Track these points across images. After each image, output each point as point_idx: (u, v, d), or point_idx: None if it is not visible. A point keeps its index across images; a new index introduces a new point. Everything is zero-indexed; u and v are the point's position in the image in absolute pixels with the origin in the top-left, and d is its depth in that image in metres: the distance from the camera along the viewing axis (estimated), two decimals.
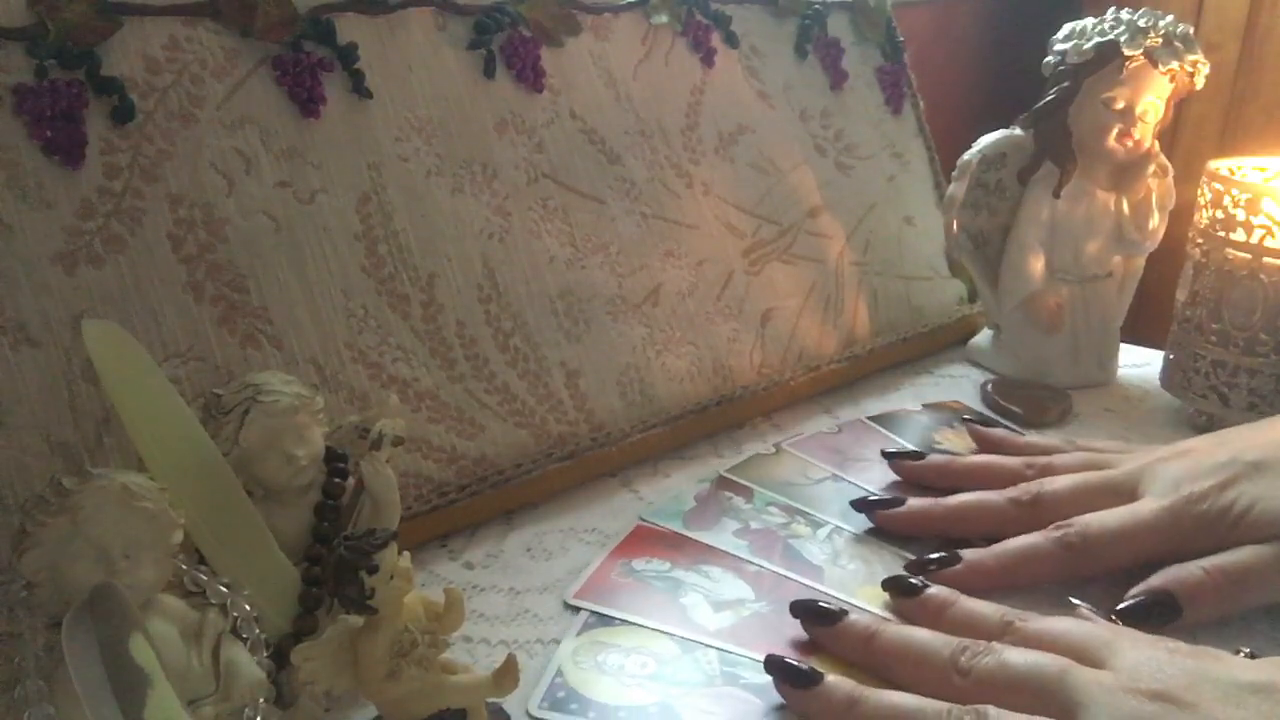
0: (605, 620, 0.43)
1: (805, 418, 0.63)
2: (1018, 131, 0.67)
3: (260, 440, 0.36)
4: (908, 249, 0.73)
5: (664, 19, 0.64)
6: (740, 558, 0.48)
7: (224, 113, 0.47)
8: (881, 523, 0.50)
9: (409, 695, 0.33)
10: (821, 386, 0.66)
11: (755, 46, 0.68)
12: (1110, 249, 0.67)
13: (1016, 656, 0.37)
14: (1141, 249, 0.67)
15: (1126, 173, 0.66)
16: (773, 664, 0.39)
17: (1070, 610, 0.42)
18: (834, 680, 0.38)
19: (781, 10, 0.70)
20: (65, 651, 0.28)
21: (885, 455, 0.56)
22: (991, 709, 0.34)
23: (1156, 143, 0.65)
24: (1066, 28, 0.65)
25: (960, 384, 0.69)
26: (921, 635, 0.40)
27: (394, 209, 0.51)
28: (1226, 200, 0.58)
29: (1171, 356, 0.64)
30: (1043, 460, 0.52)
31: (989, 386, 0.66)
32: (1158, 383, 0.66)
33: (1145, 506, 0.46)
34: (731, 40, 0.67)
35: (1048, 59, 0.65)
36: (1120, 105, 0.63)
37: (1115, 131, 0.63)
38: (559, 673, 0.40)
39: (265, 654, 0.34)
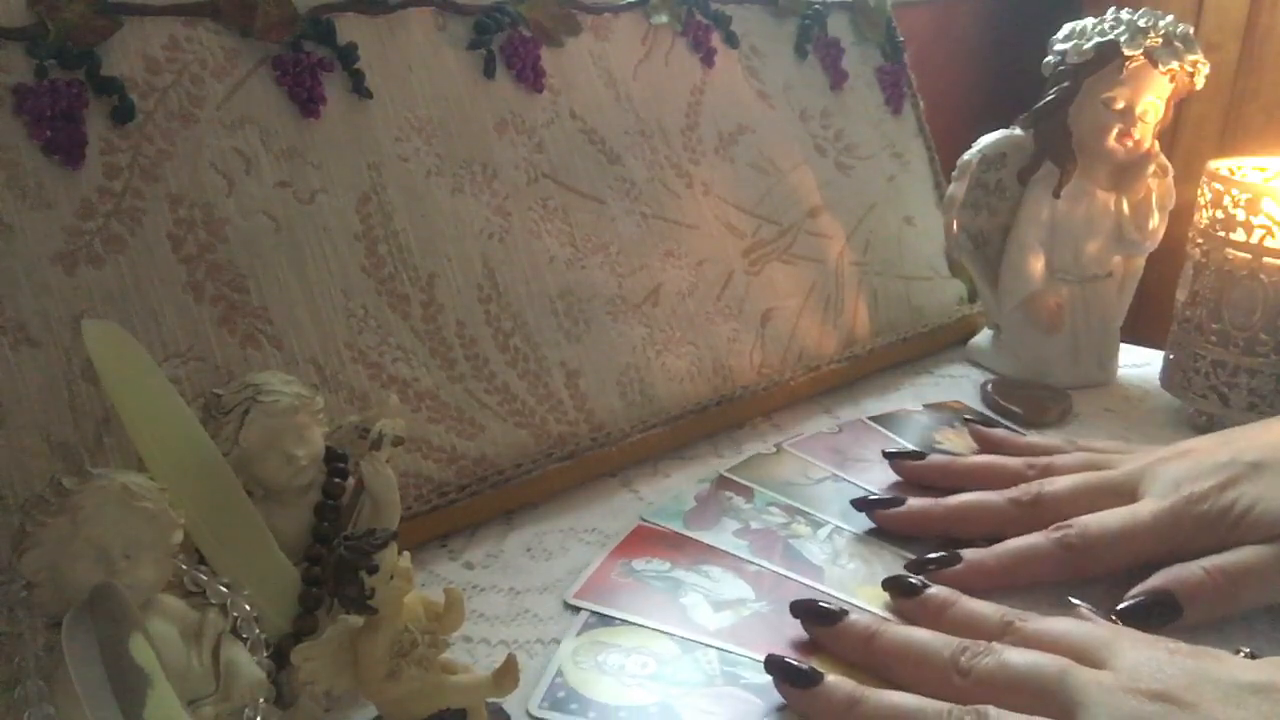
0: (605, 620, 0.43)
1: (805, 418, 0.63)
2: (1018, 131, 0.67)
3: (260, 440, 0.36)
4: (908, 249, 0.73)
5: (664, 19, 0.64)
6: (740, 558, 0.48)
7: (224, 113, 0.47)
8: (882, 522, 0.50)
9: (409, 695, 0.33)
10: (822, 386, 0.66)
11: (755, 46, 0.68)
12: (1110, 249, 0.67)
13: (1016, 657, 0.37)
14: (1141, 249, 0.67)
15: (1126, 173, 0.66)
16: (773, 664, 0.39)
17: (1070, 610, 0.42)
18: (834, 680, 0.38)
19: (781, 10, 0.70)
20: (65, 651, 0.28)
21: (886, 455, 0.56)
22: (992, 709, 0.34)
23: (1156, 143, 0.65)
24: (1066, 28, 0.65)
25: (960, 384, 0.69)
26: (922, 635, 0.40)
27: (394, 209, 0.51)
28: (1226, 200, 0.58)
29: (1171, 356, 0.64)
30: (1043, 460, 0.52)
31: (989, 386, 0.66)
32: (1158, 383, 0.66)
33: (1145, 507, 0.46)
34: (731, 40, 0.67)
35: (1048, 59, 0.65)
36: (1120, 105, 0.63)
37: (1115, 131, 0.63)
38: (559, 673, 0.40)
39: (265, 654, 0.34)
